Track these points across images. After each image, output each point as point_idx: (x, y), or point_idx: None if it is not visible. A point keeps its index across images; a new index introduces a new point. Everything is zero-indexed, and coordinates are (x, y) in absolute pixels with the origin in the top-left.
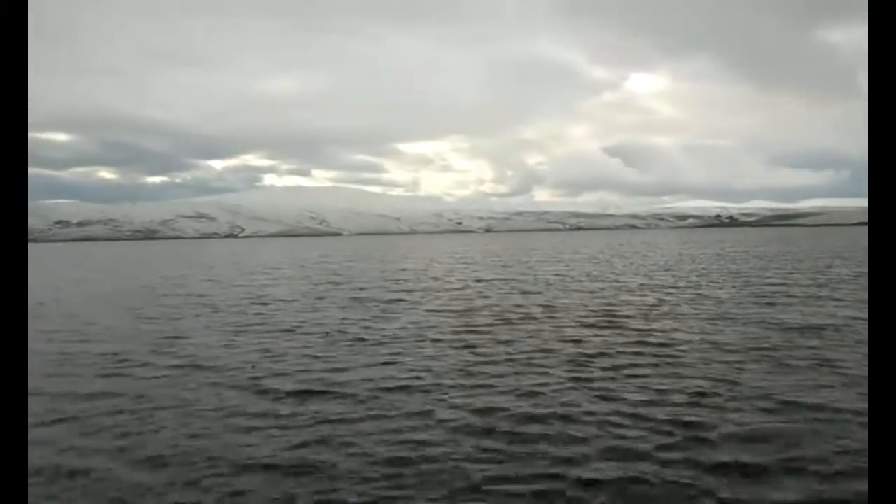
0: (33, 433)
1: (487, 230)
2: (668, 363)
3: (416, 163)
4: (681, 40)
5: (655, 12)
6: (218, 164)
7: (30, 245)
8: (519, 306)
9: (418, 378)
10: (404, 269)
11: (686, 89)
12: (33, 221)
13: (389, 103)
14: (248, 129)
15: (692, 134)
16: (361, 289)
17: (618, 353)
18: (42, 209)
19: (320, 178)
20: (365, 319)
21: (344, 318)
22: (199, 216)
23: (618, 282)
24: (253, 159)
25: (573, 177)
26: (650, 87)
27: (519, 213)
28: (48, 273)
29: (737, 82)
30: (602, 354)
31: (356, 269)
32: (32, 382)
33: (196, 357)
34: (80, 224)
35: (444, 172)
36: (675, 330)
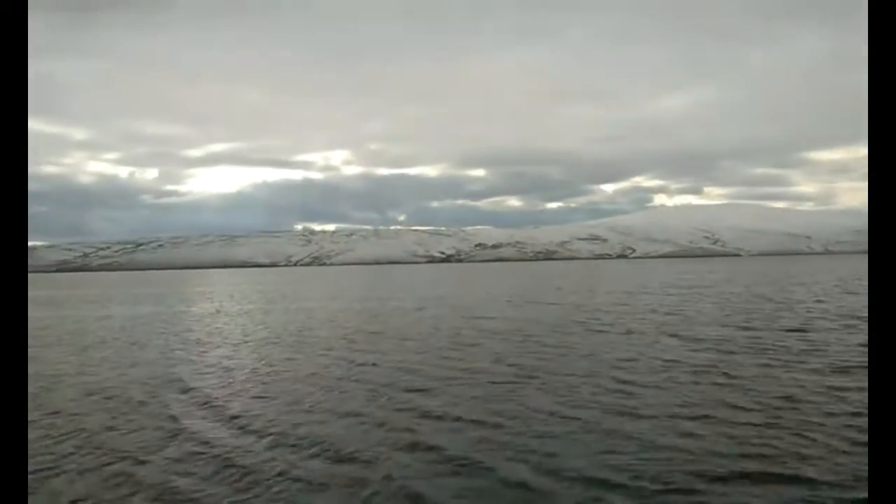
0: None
1: None
2: None
3: (830, 172)
4: None
5: None
6: (609, 188)
7: (457, 264)
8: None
9: None
10: (784, 301)
11: None
12: (459, 245)
13: (794, 108)
14: (638, 152)
15: None
16: (702, 323)
17: None
18: (466, 234)
19: (713, 195)
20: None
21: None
22: (593, 238)
23: None
24: (643, 181)
25: None
26: None
27: None
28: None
29: None
30: None
31: (726, 295)
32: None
33: None
34: (493, 247)
35: None
36: None
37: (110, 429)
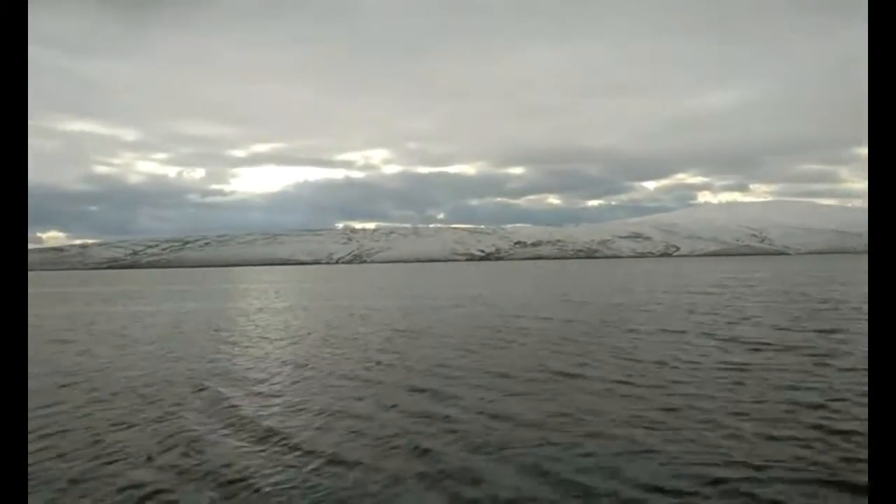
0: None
1: None
2: None
3: None
4: None
5: None
6: (651, 185)
7: (496, 262)
8: None
9: None
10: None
11: None
12: (499, 243)
13: (845, 102)
14: (681, 148)
15: None
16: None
17: None
18: (505, 232)
19: (759, 192)
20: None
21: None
22: (635, 236)
23: None
24: (686, 178)
25: None
26: None
27: None
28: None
29: None
30: None
31: (752, 296)
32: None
33: None
34: (533, 245)
35: None
36: None
37: (127, 426)
